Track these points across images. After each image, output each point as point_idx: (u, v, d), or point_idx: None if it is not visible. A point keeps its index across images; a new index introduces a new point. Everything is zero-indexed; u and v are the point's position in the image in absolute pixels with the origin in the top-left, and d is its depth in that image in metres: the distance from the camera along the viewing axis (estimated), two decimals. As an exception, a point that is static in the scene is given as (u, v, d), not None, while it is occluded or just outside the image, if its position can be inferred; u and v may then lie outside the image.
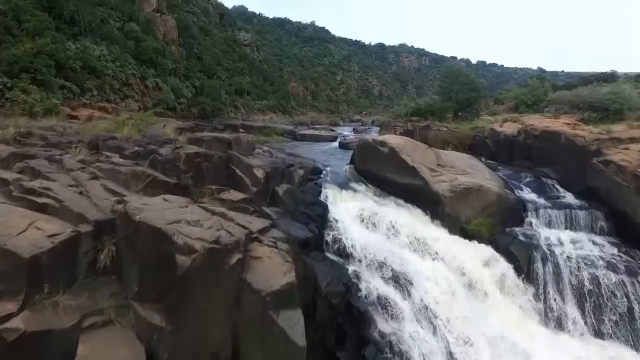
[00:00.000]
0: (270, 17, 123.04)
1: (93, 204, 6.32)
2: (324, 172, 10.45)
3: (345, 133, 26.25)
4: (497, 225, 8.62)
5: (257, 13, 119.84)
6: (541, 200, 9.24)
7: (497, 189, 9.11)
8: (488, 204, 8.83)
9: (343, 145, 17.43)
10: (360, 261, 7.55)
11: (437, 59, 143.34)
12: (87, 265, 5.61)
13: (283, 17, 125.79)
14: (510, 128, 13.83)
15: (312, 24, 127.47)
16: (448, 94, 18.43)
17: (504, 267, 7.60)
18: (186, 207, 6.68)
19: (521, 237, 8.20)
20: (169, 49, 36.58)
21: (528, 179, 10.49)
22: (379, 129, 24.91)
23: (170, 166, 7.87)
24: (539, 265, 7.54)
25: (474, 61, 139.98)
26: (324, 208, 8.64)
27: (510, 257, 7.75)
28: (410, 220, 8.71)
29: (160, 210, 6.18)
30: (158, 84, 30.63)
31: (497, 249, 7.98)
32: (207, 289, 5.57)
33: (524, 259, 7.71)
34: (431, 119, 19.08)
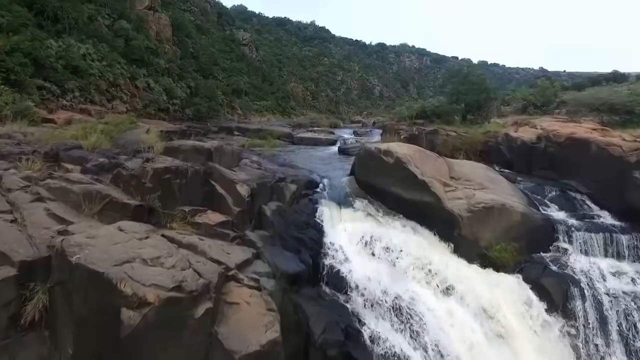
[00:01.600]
0: (270, 16, 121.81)
1: (27, 236, 5.01)
2: (320, 185, 9.17)
3: (346, 136, 24.97)
4: (522, 251, 7.34)
5: (257, 12, 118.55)
6: (573, 221, 7.94)
7: (521, 207, 7.82)
8: (512, 226, 7.54)
9: (343, 151, 16.14)
10: (362, 299, 6.26)
11: (438, 59, 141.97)
12: (7, 321, 4.32)
13: (283, 16, 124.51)
14: (527, 133, 12.51)
15: (312, 24, 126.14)
16: (456, 95, 17.12)
17: (535, 305, 6.31)
18: (146, 238, 5.39)
19: (553, 267, 6.91)
20: (162, 47, 35.23)
21: (553, 193, 9.19)
22: (381, 131, 23.59)
23: (136, 183, 6.58)
24: (577, 303, 6.25)
25: (475, 61, 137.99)
26: (320, 231, 7.36)
27: (541, 293, 6.46)
28: (420, 245, 7.43)
29: (109, 245, 4.88)
30: (149, 85, 29.27)
31: (526, 281, 6.68)
32: (164, 352, 4.30)
33: (558, 296, 6.42)
34: (437, 122, 17.79)
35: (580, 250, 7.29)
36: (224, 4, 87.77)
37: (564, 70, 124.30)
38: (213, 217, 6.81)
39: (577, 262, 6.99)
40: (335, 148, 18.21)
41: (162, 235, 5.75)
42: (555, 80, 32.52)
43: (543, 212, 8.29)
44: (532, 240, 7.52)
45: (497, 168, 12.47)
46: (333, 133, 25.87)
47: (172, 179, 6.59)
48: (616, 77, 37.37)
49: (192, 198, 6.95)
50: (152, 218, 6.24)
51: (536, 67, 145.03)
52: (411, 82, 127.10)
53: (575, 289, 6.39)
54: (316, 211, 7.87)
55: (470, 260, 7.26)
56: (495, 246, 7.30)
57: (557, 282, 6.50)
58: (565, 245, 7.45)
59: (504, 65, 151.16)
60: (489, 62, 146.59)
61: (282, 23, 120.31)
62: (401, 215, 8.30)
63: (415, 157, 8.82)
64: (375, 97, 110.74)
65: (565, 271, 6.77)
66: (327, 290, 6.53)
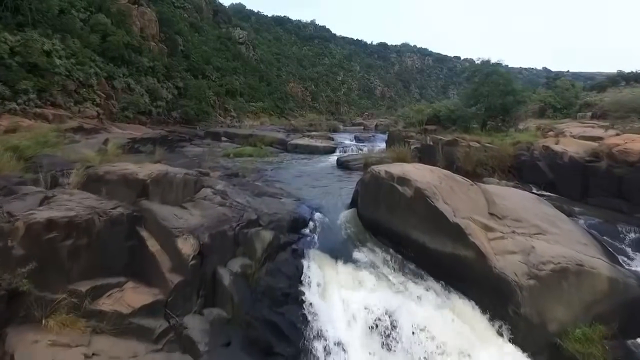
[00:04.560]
0: (269, 15, 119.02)
1: None
2: (310, 224, 6.63)
3: (346, 142, 22.45)
4: (615, 339, 4.79)
5: (256, 11, 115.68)
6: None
7: (606, 267, 5.29)
8: (597, 299, 5.02)
9: (342, 164, 13.60)
10: None
11: (440, 59, 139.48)
12: None
13: (282, 15, 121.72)
14: (573, 146, 9.97)
15: (313, 23, 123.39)
16: (475, 97, 14.56)
17: None
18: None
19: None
20: (147, 45, 32.53)
21: (632, 235, 6.66)
22: (385, 136, 21.02)
23: (2, 246, 4.03)
24: None
25: (477, 61, 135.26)
26: (306, 310, 4.82)
27: None
28: (458, 329, 4.89)
29: None
30: (130, 85, 26.67)
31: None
32: None
33: None
34: (452, 129, 15.26)
35: None
36: (221, 1, 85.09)
37: (568, 70, 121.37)
38: (132, 298, 4.27)
39: None
40: (333, 158, 15.68)
41: None
42: (574, 81, 29.94)
43: (631, 269, 5.76)
44: (626, 320, 4.98)
45: (534, 190, 9.98)
46: (332, 138, 23.31)
47: (58, 240, 4.04)
48: (636, 77, 34.93)
49: (104, 263, 4.41)
50: (16, 311, 3.71)
51: (539, 67, 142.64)
52: (413, 82, 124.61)
53: None
54: (301, 273, 5.33)
55: (534, 353, 4.73)
56: (574, 332, 4.77)
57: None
58: (679, 330, 4.91)
59: (507, 65, 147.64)
60: (491, 62, 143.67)
61: (281, 22, 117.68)
62: (425, 273, 5.78)
63: (443, 188, 6.29)
64: (376, 97, 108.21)
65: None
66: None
